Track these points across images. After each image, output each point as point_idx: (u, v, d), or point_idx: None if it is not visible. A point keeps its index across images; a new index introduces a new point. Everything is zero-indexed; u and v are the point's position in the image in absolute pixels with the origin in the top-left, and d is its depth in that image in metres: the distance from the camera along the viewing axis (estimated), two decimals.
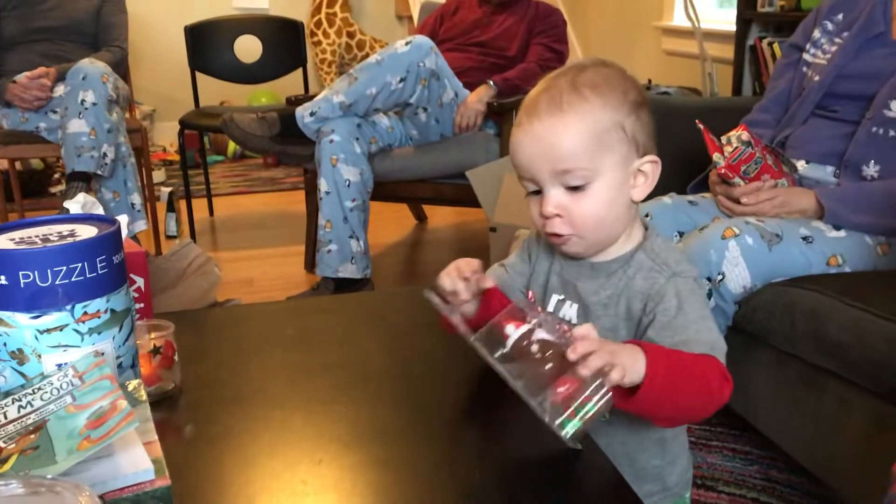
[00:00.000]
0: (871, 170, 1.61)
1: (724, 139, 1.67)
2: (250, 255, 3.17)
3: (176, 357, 0.95)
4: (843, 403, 1.34)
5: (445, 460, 0.82)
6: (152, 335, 0.93)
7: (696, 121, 1.67)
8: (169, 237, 3.36)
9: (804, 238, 1.51)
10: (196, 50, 3.44)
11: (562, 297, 0.98)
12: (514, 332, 0.81)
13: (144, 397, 0.77)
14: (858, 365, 1.29)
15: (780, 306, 1.43)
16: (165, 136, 4.96)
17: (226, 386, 0.99)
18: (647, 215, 1.63)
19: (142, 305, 1.03)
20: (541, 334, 0.80)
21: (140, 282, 1.02)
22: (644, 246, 0.94)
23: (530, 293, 1.03)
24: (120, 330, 0.81)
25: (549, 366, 0.78)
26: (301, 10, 4.89)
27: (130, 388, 0.78)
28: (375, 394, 0.96)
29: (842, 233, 1.53)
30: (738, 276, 1.46)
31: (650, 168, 0.93)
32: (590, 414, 0.76)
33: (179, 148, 3.32)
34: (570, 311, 0.96)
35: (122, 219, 0.91)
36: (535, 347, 0.80)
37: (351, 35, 4.97)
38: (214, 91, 4.05)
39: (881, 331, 1.25)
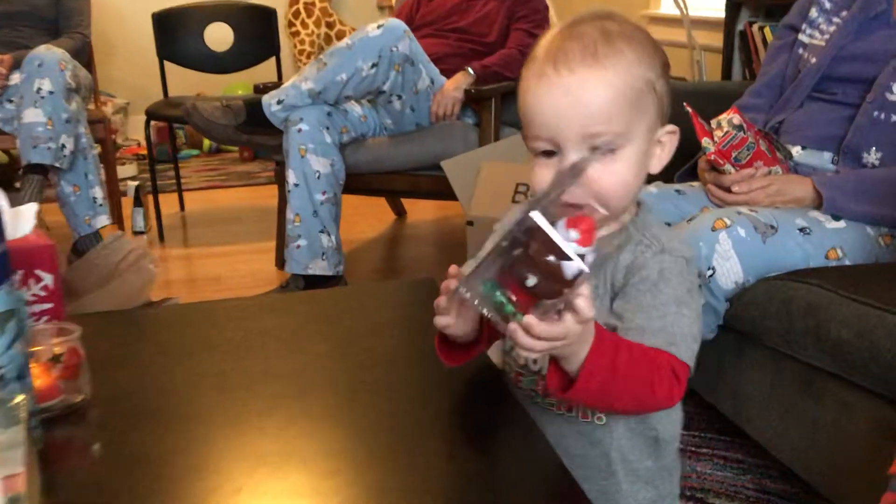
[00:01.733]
0: (872, 157, 1.50)
1: (713, 123, 1.56)
2: (220, 251, 3.04)
3: (84, 365, 0.82)
4: (844, 408, 1.23)
5: (393, 487, 0.70)
6: (55, 341, 0.80)
7: (685, 103, 1.55)
8: (136, 233, 3.22)
9: (801, 229, 1.40)
10: (164, 38, 3.30)
11: None
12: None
13: (23, 417, 0.64)
14: (862, 365, 1.17)
15: (775, 302, 1.32)
16: (140, 130, 4.79)
17: (145, 398, 0.86)
18: None
19: (50, 306, 0.90)
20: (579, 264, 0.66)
21: (48, 279, 0.89)
22: (635, 221, 0.84)
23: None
24: (1, 335, 0.68)
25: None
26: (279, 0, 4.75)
27: (10, 404, 0.65)
28: (316, 407, 0.84)
29: (841, 223, 1.42)
30: (729, 271, 1.35)
31: (668, 139, 0.84)
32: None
33: (146, 140, 3.18)
34: None
35: (2, 201, 0.78)
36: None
37: (330, 25, 4.83)
38: (188, 82, 3.91)
39: (887, 327, 1.14)
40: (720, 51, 2.89)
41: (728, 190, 1.52)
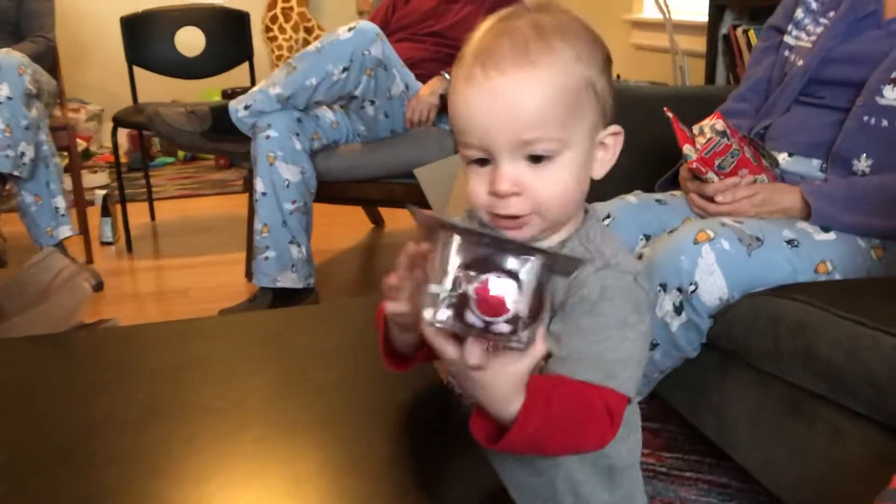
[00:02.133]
0: (863, 164, 1.42)
1: (696, 129, 1.48)
2: (190, 262, 2.94)
3: None
4: (836, 434, 1.15)
5: None
6: None
7: (665, 108, 1.47)
8: (104, 244, 3.12)
9: (788, 241, 1.31)
10: (133, 43, 3.20)
11: None
12: None
13: None
14: (855, 389, 1.09)
15: (762, 320, 1.23)
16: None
17: (54, 438, 0.76)
18: (608, 216, 1.43)
19: None
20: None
21: None
22: (579, 231, 0.77)
23: None
24: None
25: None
26: (256, 4, 4.66)
27: None
28: (248, 447, 0.75)
29: (831, 235, 1.34)
30: (712, 286, 1.26)
31: (613, 140, 0.77)
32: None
33: (113, 147, 3.07)
34: None
35: None
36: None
37: (308, 30, 4.74)
38: (163, 89, 3.81)
39: (881, 347, 1.05)
40: (703, 55, 2.81)
41: (711, 199, 1.44)
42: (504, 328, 0.59)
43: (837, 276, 1.31)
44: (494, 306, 0.59)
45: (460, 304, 0.59)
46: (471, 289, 0.59)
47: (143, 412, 0.82)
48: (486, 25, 0.74)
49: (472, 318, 0.59)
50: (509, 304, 0.59)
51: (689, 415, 1.47)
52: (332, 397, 0.83)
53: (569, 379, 0.70)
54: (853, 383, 1.09)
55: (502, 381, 0.64)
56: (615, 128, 0.77)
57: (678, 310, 1.28)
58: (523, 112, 0.69)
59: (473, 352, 0.62)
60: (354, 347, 0.95)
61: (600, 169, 0.77)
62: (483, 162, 0.72)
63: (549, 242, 0.76)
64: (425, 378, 0.78)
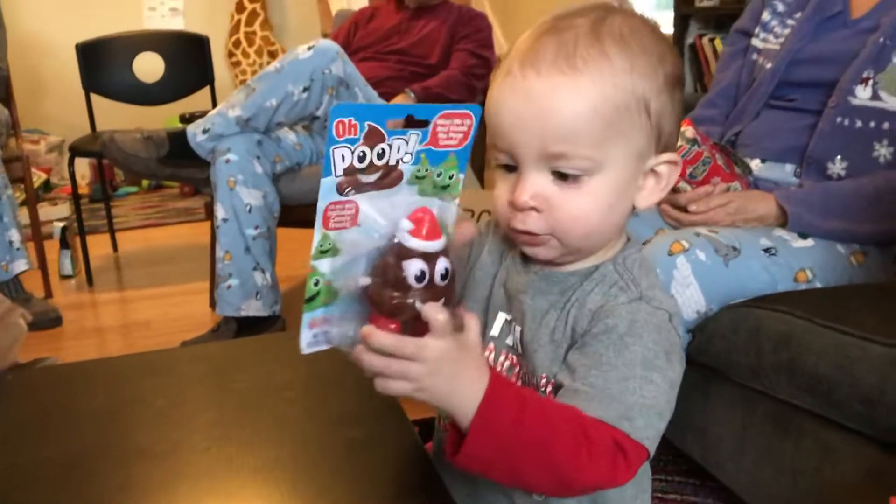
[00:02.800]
0: (838, 167, 1.38)
1: None
2: (153, 293, 2.84)
3: None
4: (826, 452, 1.09)
5: None
6: None
7: None
8: (63, 277, 3.01)
9: (766, 250, 1.26)
10: (90, 70, 3.12)
11: (508, 316, 0.72)
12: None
13: None
14: (844, 402, 1.04)
15: (743, 333, 1.18)
16: (77, 168, 4.58)
17: None
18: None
19: None
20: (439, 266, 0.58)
21: None
22: (616, 258, 0.69)
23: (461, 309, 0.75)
24: None
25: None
26: (219, 29, 4.59)
27: None
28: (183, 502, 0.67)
29: (809, 242, 1.29)
30: (689, 299, 1.21)
31: (668, 171, 0.68)
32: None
33: (71, 178, 2.98)
34: (515, 336, 0.71)
35: None
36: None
37: (273, 55, 4.68)
38: (124, 117, 3.71)
39: (870, 358, 1.00)
40: None
41: (684, 209, 1.39)
42: (414, 269, 0.57)
43: (818, 285, 1.27)
44: (430, 230, 0.57)
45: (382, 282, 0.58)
46: (403, 223, 0.58)
47: (73, 458, 0.74)
48: (544, 19, 0.67)
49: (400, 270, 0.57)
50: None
51: (672, 435, 1.41)
52: (281, 439, 0.76)
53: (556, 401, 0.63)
54: (841, 396, 1.04)
55: (439, 362, 0.57)
56: (670, 156, 0.68)
57: None
58: (554, 121, 0.63)
59: (381, 336, 0.57)
60: (308, 381, 0.87)
61: (647, 199, 0.68)
62: (510, 168, 0.66)
63: (576, 266, 0.69)
64: (383, 417, 0.71)
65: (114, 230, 3.37)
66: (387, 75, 2.53)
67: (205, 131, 2.18)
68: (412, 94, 2.38)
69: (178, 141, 2.21)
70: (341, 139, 0.56)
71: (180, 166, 2.24)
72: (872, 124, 1.35)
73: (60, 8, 4.60)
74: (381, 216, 0.60)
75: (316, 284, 0.61)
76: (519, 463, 0.59)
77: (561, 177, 0.64)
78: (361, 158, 0.58)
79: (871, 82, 1.37)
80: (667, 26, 2.86)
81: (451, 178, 0.64)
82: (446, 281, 0.58)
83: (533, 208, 0.65)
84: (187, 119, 2.38)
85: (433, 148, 0.61)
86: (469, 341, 0.59)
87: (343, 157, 0.57)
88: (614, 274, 0.68)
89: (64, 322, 2.54)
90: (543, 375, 0.68)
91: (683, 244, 1.22)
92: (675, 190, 1.41)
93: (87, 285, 2.95)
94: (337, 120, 0.56)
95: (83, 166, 4.22)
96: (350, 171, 0.58)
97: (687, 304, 1.21)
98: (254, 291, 2.19)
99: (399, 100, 2.36)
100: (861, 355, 1.01)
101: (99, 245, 3.28)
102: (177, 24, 4.67)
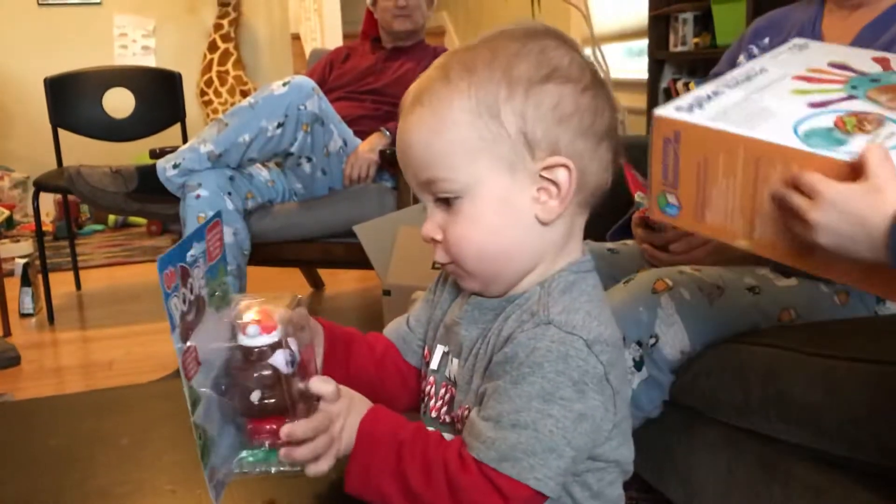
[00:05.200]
0: None
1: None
2: (117, 332, 2.76)
3: None
4: (816, 496, 1.06)
5: None
6: None
7: None
8: (24, 315, 2.92)
9: (750, 289, 1.24)
10: (58, 105, 3.07)
11: (446, 348, 0.73)
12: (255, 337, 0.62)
13: None
14: (834, 428, 1.01)
15: (728, 370, 1.15)
16: (42, 206, 4.49)
17: None
18: None
19: None
20: (279, 359, 0.62)
21: None
22: (547, 279, 0.67)
23: (426, 350, 0.77)
24: None
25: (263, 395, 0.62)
26: (191, 68, 4.58)
27: None
28: None
29: (793, 281, 1.28)
30: (674, 339, 1.18)
31: (563, 176, 0.64)
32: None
33: (35, 213, 2.90)
34: (452, 368, 0.71)
35: None
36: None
37: (245, 94, 4.68)
38: (93, 153, 3.66)
39: (857, 375, 0.99)
40: (643, 112, 2.82)
41: (665, 249, 1.37)
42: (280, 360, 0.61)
43: None
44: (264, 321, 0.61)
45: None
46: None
47: (28, 500, 0.69)
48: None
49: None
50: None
51: (653, 480, 1.37)
52: (250, 482, 0.71)
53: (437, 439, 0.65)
54: (831, 422, 1.01)
55: (344, 419, 0.63)
56: (558, 159, 0.64)
57: (638, 365, 1.19)
58: (413, 152, 0.66)
59: (302, 425, 0.61)
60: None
61: (551, 211, 0.65)
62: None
63: (518, 290, 0.69)
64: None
65: (77, 268, 3.29)
66: (362, 114, 2.51)
67: (175, 166, 2.14)
68: (387, 133, 2.37)
69: (147, 176, 2.17)
70: (171, 290, 0.59)
71: (149, 201, 2.20)
72: None
73: (29, 42, 4.56)
74: (208, 345, 0.63)
75: (200, 438, 0.61)
76: (387, 481, 0.63)
77: (444, 204, 0.66)
78: (185, 300, 0.61)
79: None
80: (640, 74, 2.90)
81: (222, 286, 0.67)
82: (298, 359, 0.63)
83: (433, 239, 0.68)
84: (157, 154, 2.34)
85: (209, 263, 0.65)
86: (346, 389, 0.65)
87: (176, 306, 0.60)
88: (535, 299, 0.66)
89: (22, 361, 2.45)
90: (466, 407, 0.68)
91: (667, 282, 1.20)
92: (655, 229, 1.39)
93: (47, 324, 2.86)
94: (164, 272, 0.58)
95: (48, 204, 4.14)
96: (184, 317, 0.61)
97: (671, 344, 1.18)
98: None
99: (374, 139, 2.34)
100: (848, 375, 1.00)
101: (62, 283, 3.20)
102: (148, 62, 4.65)
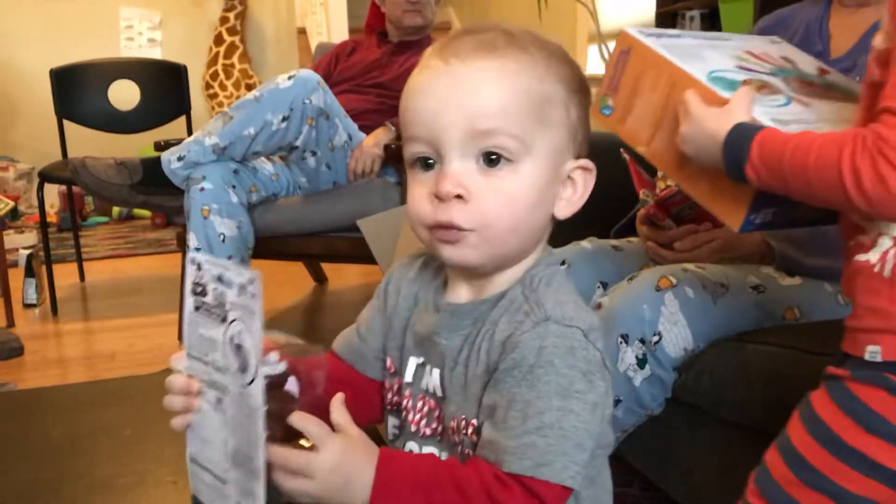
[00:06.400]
0: None
1: (659, 174, 1.42)
2: (120, 324, 2.77)
3: None
4: None
5: None
6: None
7: (622, 150, 1.40)
8: (27, 306, 2.92)
9: (754, 287, 1.24)
10: (64, 96, 3.07)
11: (420, 359, 0.71)
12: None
13: None
14: None
15: (731, 369, 1.15)
16: (47, 197, 4.50)
17: None
18: (563, 263, 1.34)
19: None
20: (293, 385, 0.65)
21: None
22: (524, 278, 0.67)
23: (389, 361, 0.75)
24: None
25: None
26: (197, 61, 4.57)
27: None
28: None
29: (797, 280, 1.28)
30: (677, 336, 1.18)
31: (582, 177, 0.68)
32: None
33: (39, 204, 2.91)
34: (433, 379, 0.69)
35: None
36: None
37: (250, 87, 4.67)
38: (98, 145, 3.65)
39: None
40: None
41: (669, 246, 1.37)
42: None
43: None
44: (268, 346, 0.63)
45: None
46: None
47: (29, 490, 0.69)
48: (451, 34, 0.67)
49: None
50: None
51: (655, 477, 1.37)
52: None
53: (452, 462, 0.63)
54: None
55: (330, 472, 0.60)
56: (586, 162, 0.68)
57: (641, 363, 1.19)
58: (483, 99, 0.62)
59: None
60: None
61: (566, 208, 0.68)
62: (428, 165, 0.64)
63: (491, 289, 0.68)
64: None
65: (81, 259, 3.29)
66: (367, 108, 2.51)
67: (180, 158, 2.14)
68: (392, 128, 2.36)
69: (151, 168, 2.18)
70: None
71: (153, 194, 2.20)
72: None
73: (35, 34, 4.57)
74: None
75: None
76: None
77: (488, 162, 0.63)
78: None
79: None
80: None
81: None
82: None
83: (459, 196, 0.62)
84: (162, 147, 2.34)
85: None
86: (347, 431, 0.61)
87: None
88: (521, 297, 0.66)
89: (25, 352, 2.45)
90: (462, 417, 0.66)
91: (671, 279, 1.20)
92: (659, 227, 1.39)
93: (51, 315, 2.87)
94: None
95: (52, 195, 4.14)
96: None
97: (674, 342, 1.18)
98: None
99: (379, 133, 2.34)
100: None
101: (65, 274, 3.20)
102: (154, 54, 4.65)
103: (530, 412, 0.60)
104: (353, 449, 0.60)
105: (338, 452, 0.59)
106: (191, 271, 0.66)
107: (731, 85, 0.94)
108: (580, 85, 0.68)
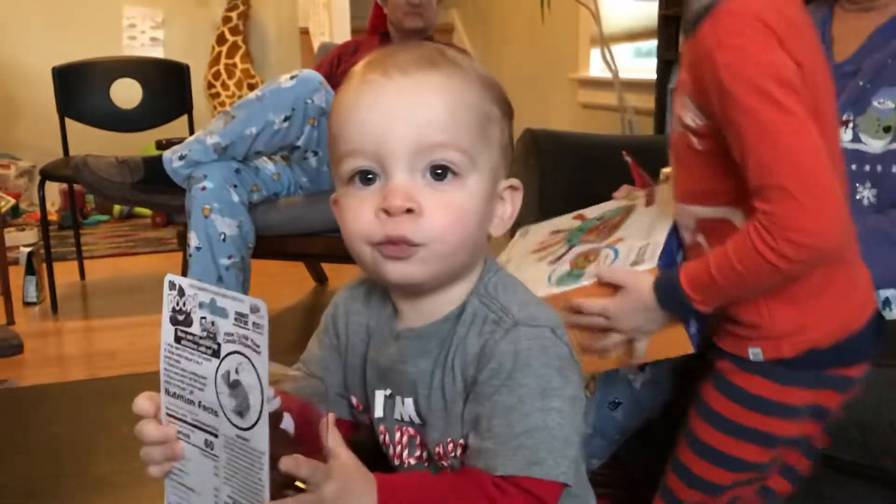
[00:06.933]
0: None
1: (661, 175, 1.41)
2: (120, 323, 2.77)
3: None
4: (820, 500, 1.05)
5: None
6: None
7: (624, 152, 1.40)
8: (27, 304, 2.92)
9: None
10: (65, 94, 3.07)
11: (387, 391, 0.69)
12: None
13: None
14: (840, 433, 1.01)
15: None
16: (48, 195, 4.50)
17: None
18: None
19: None
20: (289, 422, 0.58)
21: None
22: (477, 288, 0.67)
23: (354, 400, 0.73)
24: None
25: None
26: (199, 61, 4.58)
27: None
28: None
29: None
30: None
31: (511, 196, 0.68)
32: None
33: (40, 202, 2.91)
34: (406, 409, 0.68)
35: None
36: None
37: (252, 87, 4.67)
38: (99, 144, 3.66)
39: (866, 381, 0.98)
40: (651, 113, 2.81)
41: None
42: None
43: None
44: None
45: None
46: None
47: (27, 487, 0.69)
48: (376, 54, 0.66)
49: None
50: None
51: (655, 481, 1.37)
52: None
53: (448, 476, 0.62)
54: (836, 427, 1.01)
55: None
56: (516, 181, 0.69)
57: (641, 366, 1.19)
58: (433, 112, 0.61)
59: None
60: None
61: (499, 226, 0.68)
62: (368, 179, 0.62)
63: (446, 308, 0.66)
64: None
65: (82, 258, 3.30)
66: None
67: (181, 157, 2.14)
68: None
69: (153, 166, 2.17)
70: None
71: (154, 192, 2.20)
72: (854, 167, 1.35)
73: (37, 32, 4.57)
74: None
75: None
76: None
77: (435, 176, 0.62)
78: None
79: (851, 125, 1.37)
80: (648, 74, 2.89)
81: None
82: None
83: (409, 211, 0.61)
84: (164, 145, 2.35)
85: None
86: (343, 465, 0.58)
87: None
88: (482, 308, 0.66)
89: (25, 350, 2.46)
90: (449, 440, 0.66)
91: None
92: None
93: (51, 312, 2.87)
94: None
95: (53, 193, 4.15)
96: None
97: None
98: None
99: None
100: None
101: (66, 272, 3.20)
102: (157, 53, 4.65)
103: (515, 417, 0.60)
104: (351, 483, 0.58)
105: (337, 490, 0.57)
106: (169, 297, 0.59)
107: (574, 276, 1.03)
108: (509, 108, 0.69)
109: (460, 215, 0.62)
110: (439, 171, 0.62)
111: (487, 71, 0.69)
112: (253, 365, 0.54)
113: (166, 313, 0.59)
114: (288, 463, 0.55)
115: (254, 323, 0.55)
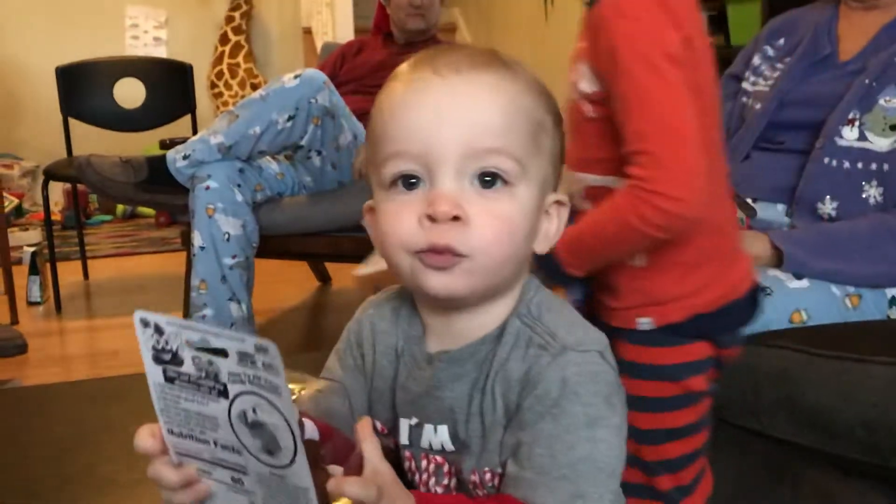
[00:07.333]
0: (828, 207, 1.37)
1: None
2: (123, 322, 2.76)
3: None
4: (826, 499, 1.05)
5: None
6: None
7: None
8: (31, 304, 2.93)
9: (762, 290, 1.23)
10: (69, 94, 3.07)
11: (414, 421, 0.65)
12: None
13: None
14: (846, 431, 1.02)
15: (739, 371, 1.14)
16: (51, 195, 4.50)
17: None
18: None
19: None
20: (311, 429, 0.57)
21: None
22: (518, 309, 0.62)
23: (379, 425, 0.68)
24: None
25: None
26: (202, 60, 4.57)
27: None
28: None
29: (804, 282, 1.27)
30: None
31: (557, 211, 0.64)
32: None
33: (44, 202, 2.92)
34: (438, 436, 0.63)
35: None
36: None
37: (255, 87, 4.66)
38: (103, 144, 3.66)
39: (870, 378, 1.01)
40: None
41: None
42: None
43: None
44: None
45: None
46: None
47: (33, 486, 0.68)
48: (418, 56, 0.63)
49: None
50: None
51: None
52: None
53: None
54: (843, 425, 1.02)
55: None
56: (563, 197, 0.65)
57: None
58: (486, 115, 0.58)
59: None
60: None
61: (544, 243, 0.64)
62: (411, 184, 0.59)
63: (482, 331, 0.62)
64: None
65: (85, 257, 3.30)
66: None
67: (185, 157, 2.14)
68: None
69: (157, 166, 2.17)
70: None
71: (158, 192, 2.20)
72: (860, 165, 1.35)
73: (41, 32, 4.57)
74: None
75: None
76: None
77: (483, 183, 0.58)
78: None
79: (857, 123, 1.37)
80: None
81: None
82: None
83: (456, 217, 0.57)
84: (168, 145, 2.35)
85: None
86: (386, 481, 0.54)
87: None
88: (526, 330, 0.62)
89: (29, 349, 2.45)
90: (486, 470, 0.62)
91: None
92: None
93: (55, 312, 2.87)
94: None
95: (57, 193, 4.15)
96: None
97: None
98: (228, 323, 2.13)
99: None
100: (862, 378, 1.01)
101: (69, 272, 3.21)
102: (160, 53, 4.65)
103: (559, 447, 0.57)
104: (396, 501, 0.54)
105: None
106: (145, 334, 0.55)
107: None
108: (560, 119, 0.65)
109: (509, 227, 0.59)
110: (488, 178, 0.58)
111: (539, 79, 0.65)
112: (275, 407, 0.50)
113: (146, 353, 0.55)
114: (333, 486, 0.51)
115: (265, 364, 0.50)
